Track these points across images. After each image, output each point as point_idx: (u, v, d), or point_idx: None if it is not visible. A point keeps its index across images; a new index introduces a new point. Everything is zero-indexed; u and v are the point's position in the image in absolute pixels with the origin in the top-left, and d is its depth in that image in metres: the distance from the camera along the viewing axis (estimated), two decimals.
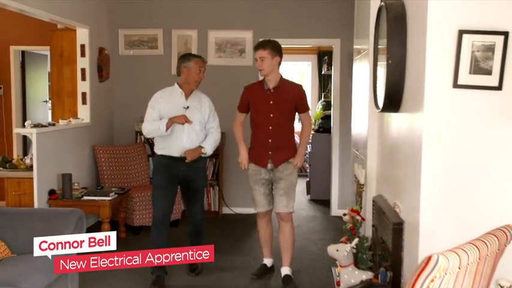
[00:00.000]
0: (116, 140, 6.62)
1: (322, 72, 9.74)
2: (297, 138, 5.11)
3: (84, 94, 5.85)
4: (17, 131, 5.56)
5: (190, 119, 4.10)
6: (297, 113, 4.28)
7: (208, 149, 4.24)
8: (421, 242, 2.56)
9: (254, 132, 4.23)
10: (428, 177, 2.54)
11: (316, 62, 10.25)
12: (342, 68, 6.51)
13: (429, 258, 1.75)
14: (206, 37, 6.51)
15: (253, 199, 4.26)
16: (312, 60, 10.48)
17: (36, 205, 4.84)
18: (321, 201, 7.29)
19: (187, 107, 4.18)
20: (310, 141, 7.74)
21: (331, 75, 7.27)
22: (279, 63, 4.11)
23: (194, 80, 4.19)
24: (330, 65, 8.09)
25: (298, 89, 4.22)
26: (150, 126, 4.16)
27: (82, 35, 5.79)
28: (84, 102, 5.86)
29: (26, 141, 6.86)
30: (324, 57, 9.59)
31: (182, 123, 4.06)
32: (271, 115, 4.09)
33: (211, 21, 6.50)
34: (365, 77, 4.05)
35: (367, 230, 3.87)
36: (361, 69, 4.42)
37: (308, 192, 7.78)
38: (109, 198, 5.07)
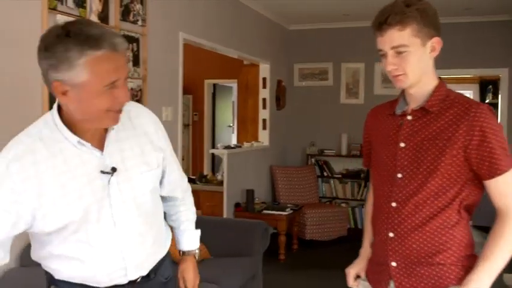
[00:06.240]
0: (289, 161, 7.35)
1: (486, 101, 9.52)
2: None
3: (264, 121, 6.72)
4: (212, 151, 6.60)
5: (124, 193, 1.53)
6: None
7: (194, 241, 1.96)
8: None
9: (374, 212, 1.94)
10: None
11: (478, 90, 9.91)
12: (509, 97, 6.48)
13: None
14: (373, 69, 6.99)
15: None
16: (473, 89, 10.15)
17: (225, 215, 5.64)
18: None
19: (113, 171, 1.49)
20: None
21: (497, 103, 7.18)
22: (435, 53, 1.72)
23: (96, 109, 1.38)
24: (495, 93, 7.91)
25: (476, 118, 1.62)
26: None
27: (264, 70, 6.68)
28: (264, 128, 6.72)
29: (213, 159, 7.99)
30: (487, 85, 9.33)
31: None
32: (399, 175, 1.74)
33: (378, 53, 6.95)
34: None
35: None
36: None
37: None
38: (285, 213, 5.74)
